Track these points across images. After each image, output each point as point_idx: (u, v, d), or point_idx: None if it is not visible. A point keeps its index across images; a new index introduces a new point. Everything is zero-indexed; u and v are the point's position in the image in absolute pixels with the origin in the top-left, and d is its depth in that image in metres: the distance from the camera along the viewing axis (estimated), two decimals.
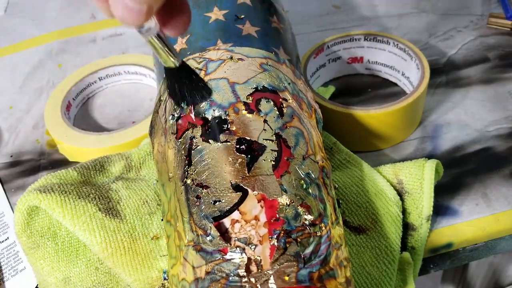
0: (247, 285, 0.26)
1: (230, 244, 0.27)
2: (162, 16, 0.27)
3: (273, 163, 0.30)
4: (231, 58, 0.35)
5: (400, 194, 0.39)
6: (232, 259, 0.26)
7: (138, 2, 0.22)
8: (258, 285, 0.26)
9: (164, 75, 0.33)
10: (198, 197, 0.29)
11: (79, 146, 0.47)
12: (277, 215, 0.28)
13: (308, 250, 0.27)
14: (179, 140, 0.32)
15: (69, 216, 0.34)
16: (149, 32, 0.27)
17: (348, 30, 0.60)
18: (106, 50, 0.63)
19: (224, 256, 0.27)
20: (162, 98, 0.36)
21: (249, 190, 0.28)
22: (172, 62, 0.30)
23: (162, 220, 0.37)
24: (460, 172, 0.44)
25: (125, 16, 0.23)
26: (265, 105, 0.33)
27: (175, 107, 0.33)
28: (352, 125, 0.44)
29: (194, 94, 0.32)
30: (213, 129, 0.31)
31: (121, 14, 0.23)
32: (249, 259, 0.26)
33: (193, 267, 0.27)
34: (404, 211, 0.39)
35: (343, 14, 0.65)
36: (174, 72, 0.31)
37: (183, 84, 0.32)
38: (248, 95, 0.33)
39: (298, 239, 0.27)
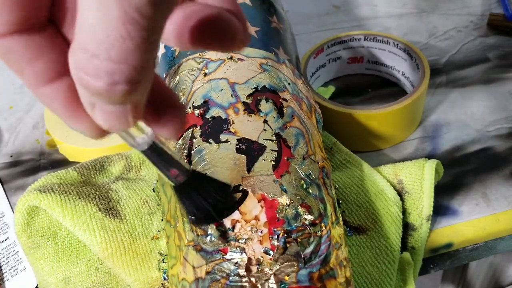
0: (247, 285, 0.26)
1: (231, 244, 0.27)
2: (152, 115, 0.22)
3: (273, 163, 0.30)
4: (231, 58, 0.35)
5: (400, 194, 0.39)
6: (232, 259, 0.26)
7: (118, 102, 0.18)
8: (258, 285, 0.26)
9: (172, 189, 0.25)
10: None
11: (79, 146, 0.47)
12: (277, 215, 0.28)
13: (308, 250, 0.27)
14: (179, 141, 0.32)
15: (69, 216, 0.34)
16: (143, 143, 0.21)
17: (348, 30, 0.60)
18: None
19: (225, 256, 0.27)
20: None
21: (249, 190, 0.28)
22: (176, 179, 0.24)
23: (162, 220, 0.37)
24: (460, 172, 0.44)
25: (111, 123, 0.18)
26: (265, 105, 0.33)
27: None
28: (352, 125, 0.44)
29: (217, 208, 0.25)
30: (213, 130, 0.31)
31: (104, 121, 0.18)
32: (249, 259, 0.26)
33: (194, 267, 0.27)
34: (404, 211, 0.39)
35: (343, 14, 0.65)
36: (182, 186, 0.24)
37: (197, 197, 0.25)
38: (248, 95, 0.33)
39: (298, 239, 0.27)
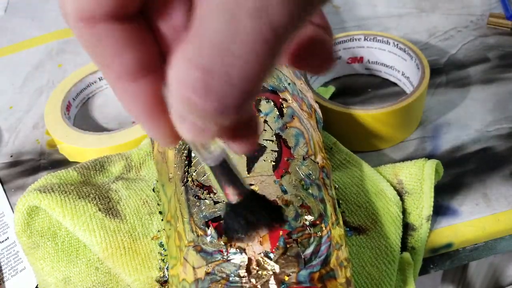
0: (247, 286, 0.26)
1: (231, 245, 0.27)
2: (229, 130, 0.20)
3: (273, 163, 0.30)
4: None
5: (400, 194, 0.39)
6: (233, 259, 0.26)
7: (215, 122, 0.16)
8: (258, 286, 0.26)
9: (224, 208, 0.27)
10: (198, 197, 0.29)
11: (79, 146, 0.47)
12: None
13: (309, 250, 0.27)
14: (179, 141, 0.32)
15: (69, 216, 0.34)
16: (214, 157, 0.20)
17: (348, 30, 0.60)
18: None
19: (225, 257, 0.27)
20: None
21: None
22: (236, 196, 0.23)
23: (162, 220, 0.37)
24: (460, 172, 0.44)
25: (195, 137, 0.17)
26: (265, 106, 0.33)
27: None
28: (352, 125, 0.44)
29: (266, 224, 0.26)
30: None
31: (189, 134, 0.17)
32: (249, 259, 0.26)
33: (193, 268, 0.27)
34: (404, 211, 0.39)
35: (343, 14, 0.64)
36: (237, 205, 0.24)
37: (249, 217, 0.25)
38: None
39: (299, 240, 0.27)
